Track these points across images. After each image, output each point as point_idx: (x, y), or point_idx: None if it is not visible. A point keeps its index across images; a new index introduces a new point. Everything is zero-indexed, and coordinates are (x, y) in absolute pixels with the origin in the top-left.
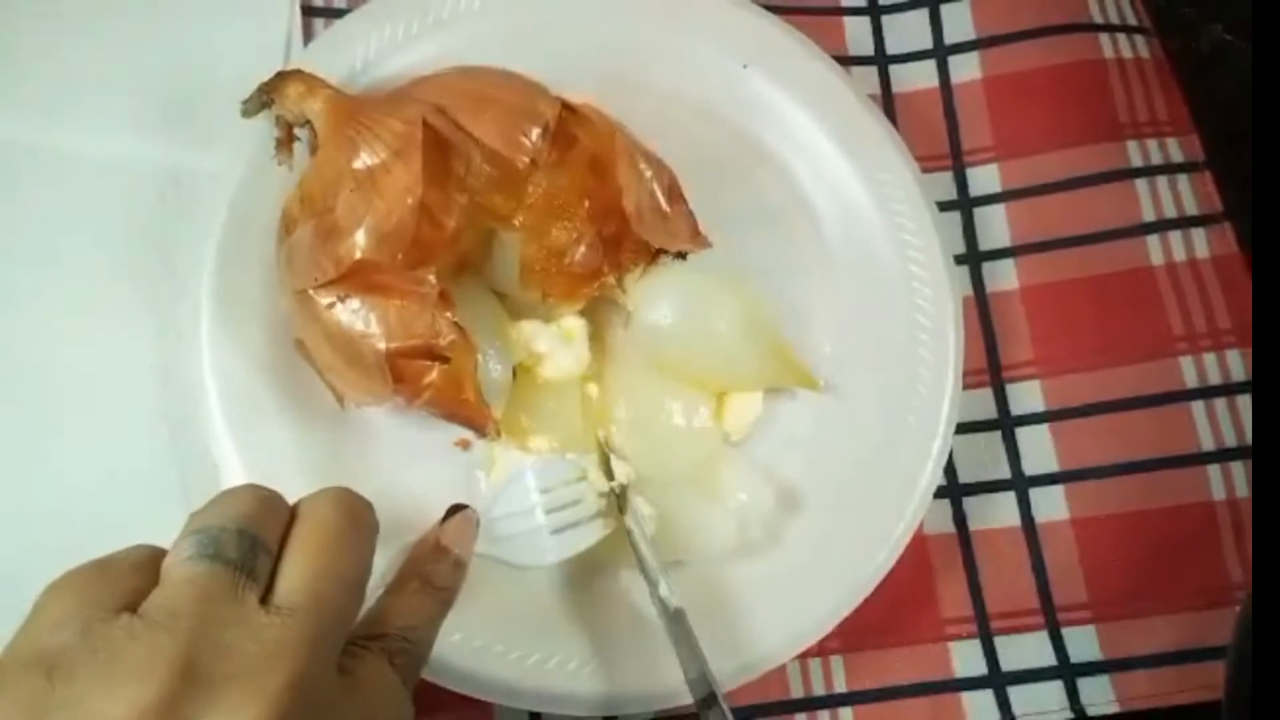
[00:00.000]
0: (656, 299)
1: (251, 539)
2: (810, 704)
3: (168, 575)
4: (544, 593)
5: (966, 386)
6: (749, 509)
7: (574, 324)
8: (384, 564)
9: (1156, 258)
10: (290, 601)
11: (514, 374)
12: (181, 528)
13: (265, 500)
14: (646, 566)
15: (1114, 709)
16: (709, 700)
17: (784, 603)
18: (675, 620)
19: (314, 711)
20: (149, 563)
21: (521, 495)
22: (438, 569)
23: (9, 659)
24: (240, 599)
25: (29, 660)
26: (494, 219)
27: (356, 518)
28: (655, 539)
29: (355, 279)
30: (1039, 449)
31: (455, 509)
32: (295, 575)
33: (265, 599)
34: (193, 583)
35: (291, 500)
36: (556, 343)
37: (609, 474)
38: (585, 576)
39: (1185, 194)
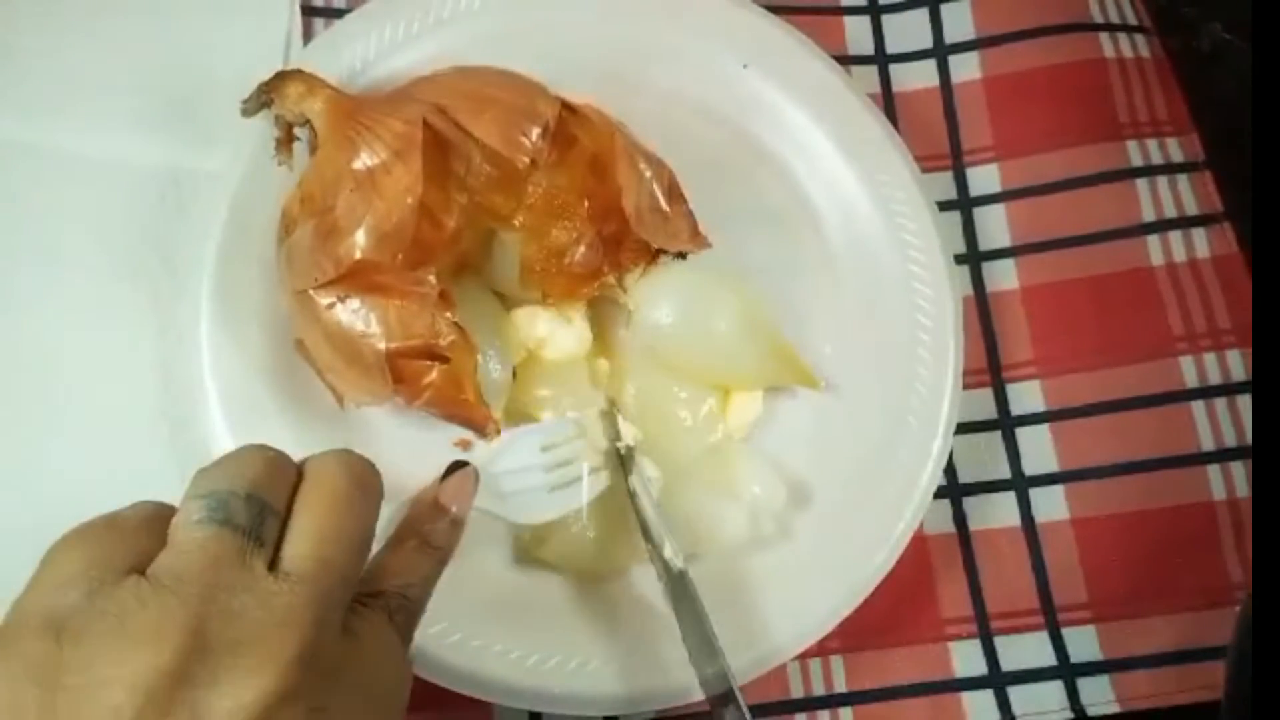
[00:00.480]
0: (657, 298)
1: (260, 504)
2: (810, 704)
3: (175, 538)
4: (545, 592)
5: (966, 386)
6: (761, 502)
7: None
8: (383, 521)
9: (1156, 258)
10: (298, 568)
11: (514, 375)
12: (188, 485)
13: (273, 462)
14: (650, 528)
15: (1114, 709)
16: (726, 698)
17: (784, 602)
18: (679, 582)
19: (322, 675)
20: (157, 520)
21: (526, 453)
22: (435, 528)
23: (17, 618)
24: (248, 565)
25: (37, 621)
26: (494, 219)
27: (363, 481)
28: (661, 502)
29: (355, 279)
30: (1039, 449)
31: (456, 465)
32: (303, 541)
33: (273, 564)
34: (202, 548)
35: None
36: (557, 324)
37: (616, 435)
38: (586, 577)
39: (1185, 194)
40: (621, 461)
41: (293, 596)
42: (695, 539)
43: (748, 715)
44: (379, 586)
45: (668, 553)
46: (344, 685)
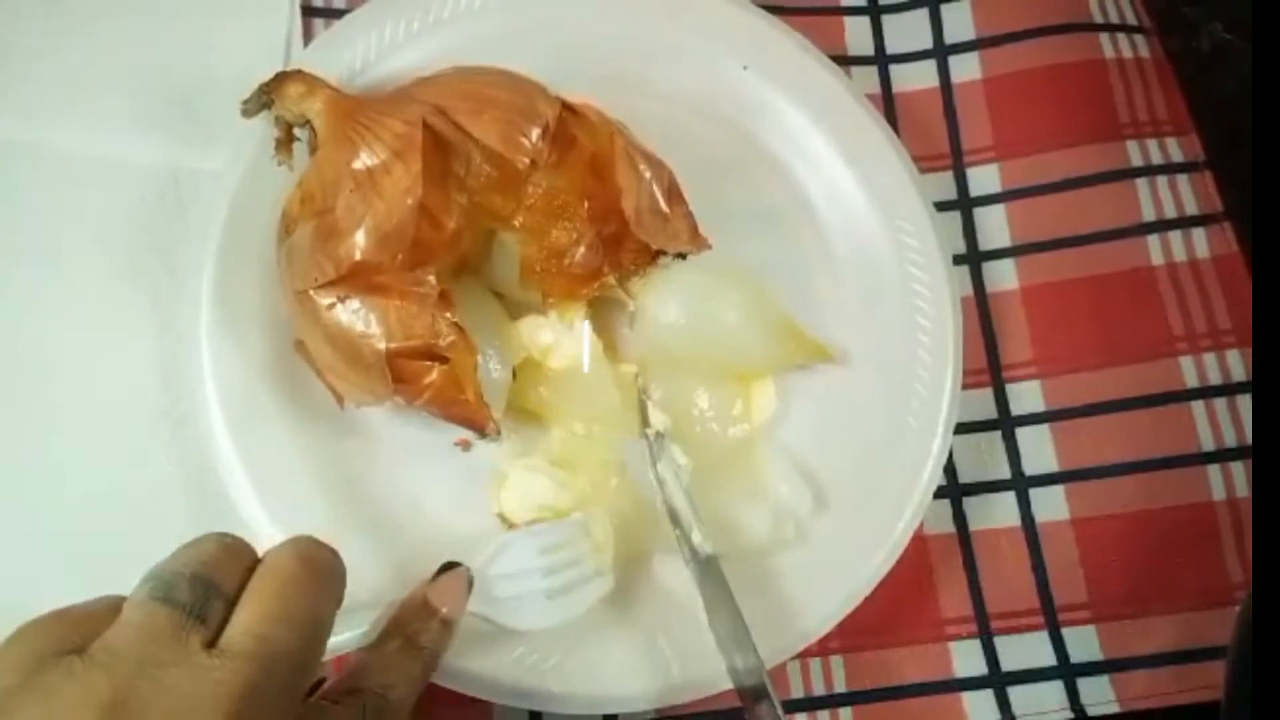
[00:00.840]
0: (664, 300)
1: (206, 584)
2: (810, 704)
3: (120, 617)
4: None
5: (966, 386)
6: (787, 505)
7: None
8: (370, 622)
9: (1156, 258)
10: (235, 645)
11: (514, 375)
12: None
13: (228, 547)
14: (679, 515)
15: (1114, 709)
16: (758, 692)
17: (783, 602)
18: (707, 568)
19: None
20: (109, 610)
21: (521, 557)
22: (424, 628)
23: None
24: (184, 641)
25: None
26: (494, 219)
27: (314, 564)
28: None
29: (355, 279)
30: (1039, 449)
31: (447, 566)
32: (244, 620)
33: (214, 643)
34: (138, 625)
35: (286, 501)
36: (562, 331)
37: (645, 421)
38: None
39: (1185, 194)
40: (649, 448)
41: (225, 674)
42: (716, 539)
43: (778, 705)
44: (355, 684)
45: (696, 539)
46: None
